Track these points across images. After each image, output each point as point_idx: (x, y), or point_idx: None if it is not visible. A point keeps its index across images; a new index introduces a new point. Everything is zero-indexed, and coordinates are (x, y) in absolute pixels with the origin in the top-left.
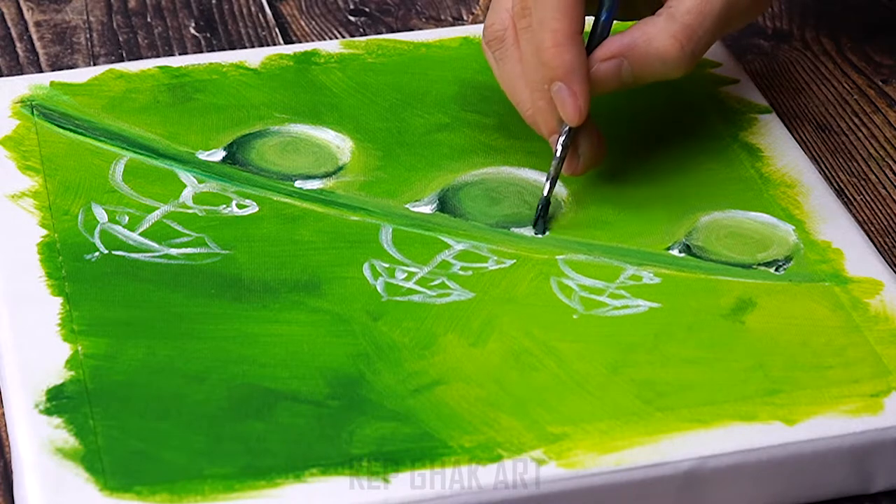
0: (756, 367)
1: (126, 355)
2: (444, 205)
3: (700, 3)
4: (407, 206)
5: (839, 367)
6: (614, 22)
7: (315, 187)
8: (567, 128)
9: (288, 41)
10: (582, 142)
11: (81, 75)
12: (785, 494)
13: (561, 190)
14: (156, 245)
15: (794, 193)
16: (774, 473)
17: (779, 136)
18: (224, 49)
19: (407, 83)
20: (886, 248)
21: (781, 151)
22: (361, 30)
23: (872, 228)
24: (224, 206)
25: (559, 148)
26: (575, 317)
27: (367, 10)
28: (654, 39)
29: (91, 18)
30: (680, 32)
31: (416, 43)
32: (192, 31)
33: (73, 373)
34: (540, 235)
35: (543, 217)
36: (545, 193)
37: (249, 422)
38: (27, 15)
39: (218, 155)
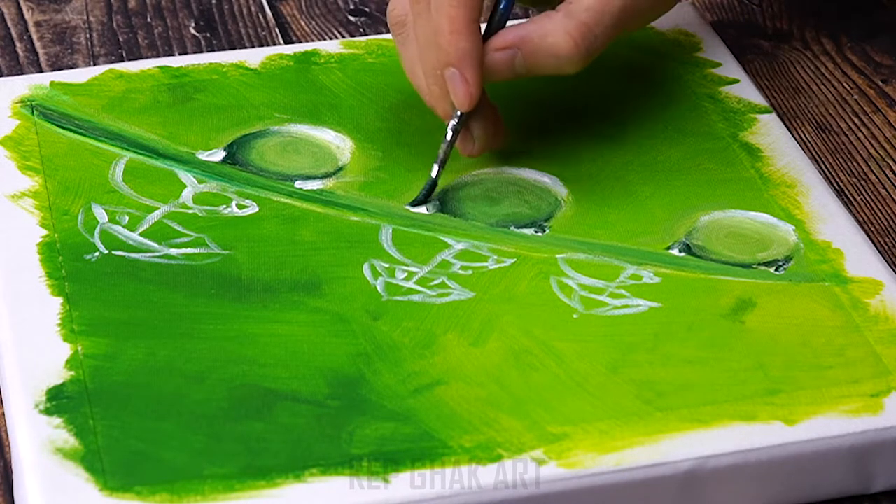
0: (756, 367)
1: (126, 355)
2: (444, 205)
3: (600, 2)
4: (407, 205)
5: (839, 367)
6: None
7: (315, 187)
8: (459, 112)
9: (288, 41)
10: (476, 125)
11: (81, 75)
12: (785, 494)
13: (561, 189)
14: (156, 245)
15: (794, 193)
16: (774, 473)
17: (779, 136)
18: (224, 49)
19: (407, 83)
20: (886, 248)
21: (781, 151)
22: (361, 30)
23: (872, 228)
24: (224, 206)
25: (449, 132)
26: (575, 316)
27: (367, 10)
28: (549, 34)
29: (91, 18)
30: (575, 30)
31: None
32: (192, 31)
33: (73, 373)
34: (426, 211)
35: (426, 197)
36: (433, 175)
37: (249, 422)
38: (27, 15)
39: (218, 155)
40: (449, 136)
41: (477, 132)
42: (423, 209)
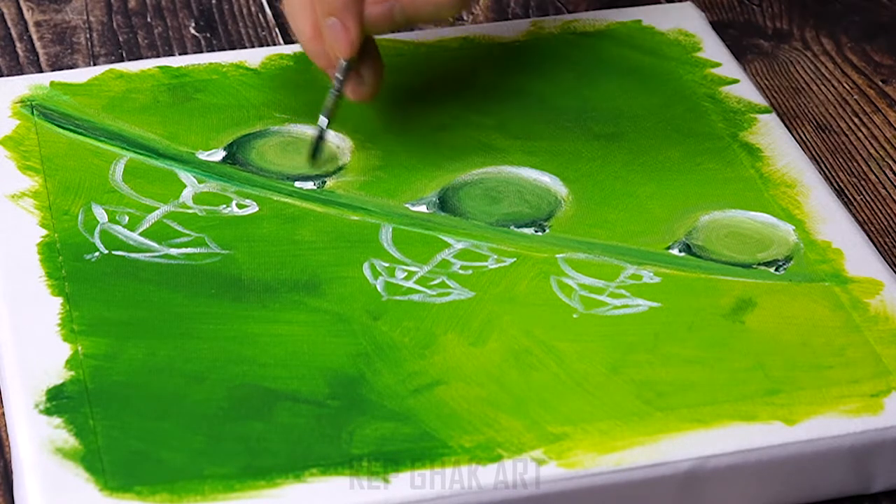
0: (756, 367)
1: (126, 355)
2: (444, 204)
3: None
4: (407, 205)
5: (839, 367)
6: None
7: (315, 187)
8: (343, 61)
9: (288, 41)
10: (366, 70)
11: (81, 75)
12: (785, 494)
13: (561, 189)
14: (156, 245)
15: (794, 193)
16: (774, 473)
17: (779, 136)
18: (224, 49)
19: (407, 83)
20: (886, 248)
21: (781, 151)
22: None
23: (872, 228)
24: (224, 206)
25: (335, 82)
26: (575, 316)
27: None
28: None
29: (91, 18)
30: None
31: (416, 43)
32: (192, 31)
33: (73, 373)
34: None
35: (317, 147)
36: (321, 125)
37: (249, 422)
38: (27, 15)
39: (218, 155)
40: (336, 84)
41: (367, 76)
42: (422, 207)
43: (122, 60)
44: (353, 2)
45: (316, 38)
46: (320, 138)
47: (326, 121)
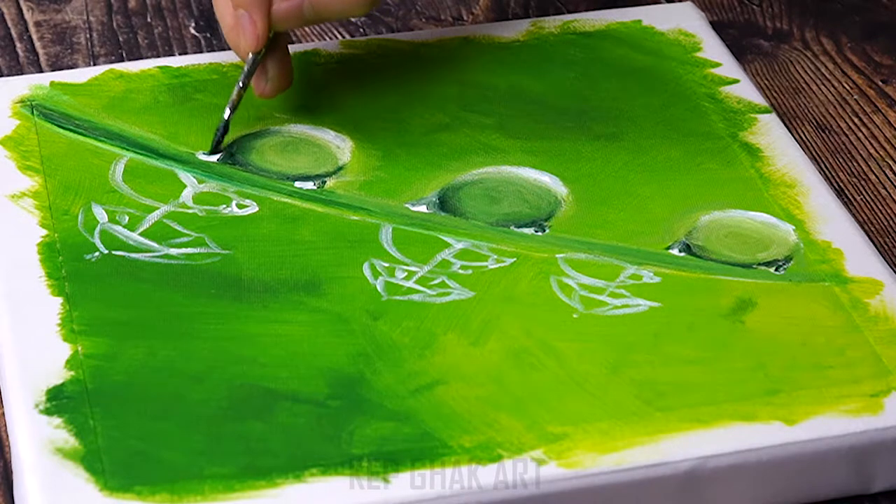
0: (756, 367)
1: (126, 355)
2: (444, 204)
3: None
4: (407, 205)
5: (839, 367)
6: None
7: (315, 187)
8: (252, 56)
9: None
10: (270, 66)
11: (81, 75)
12: (785, 494)
13: (561, 189)
14: (156, 245)
15: (794, 193)
16: (774, 473)
17: (779, 136)
18: (224, 49)
19: (407, 83)
20: (886, 248)
21: (781, 151)
22: (361, 30)
23: (872, 228)
24: (224, 206)
25: (242, 74)
26: (575, 316)
27: None
28: None
29: (91, 18)
30: None
31: (416, 43)
32: (192, 31)
33: (73, 373)
34: (214, 157)
35: (219, 140)
36: (224, 117)
37: (249, 422)
38: (27, 15)
39: (218, 155)
40: (242, 76)
41: (271, 73)
42: (422, 207)
43: (122, 60)
44: None
45: (235, 28)
46: (223, 129)
47: (229, 111)
